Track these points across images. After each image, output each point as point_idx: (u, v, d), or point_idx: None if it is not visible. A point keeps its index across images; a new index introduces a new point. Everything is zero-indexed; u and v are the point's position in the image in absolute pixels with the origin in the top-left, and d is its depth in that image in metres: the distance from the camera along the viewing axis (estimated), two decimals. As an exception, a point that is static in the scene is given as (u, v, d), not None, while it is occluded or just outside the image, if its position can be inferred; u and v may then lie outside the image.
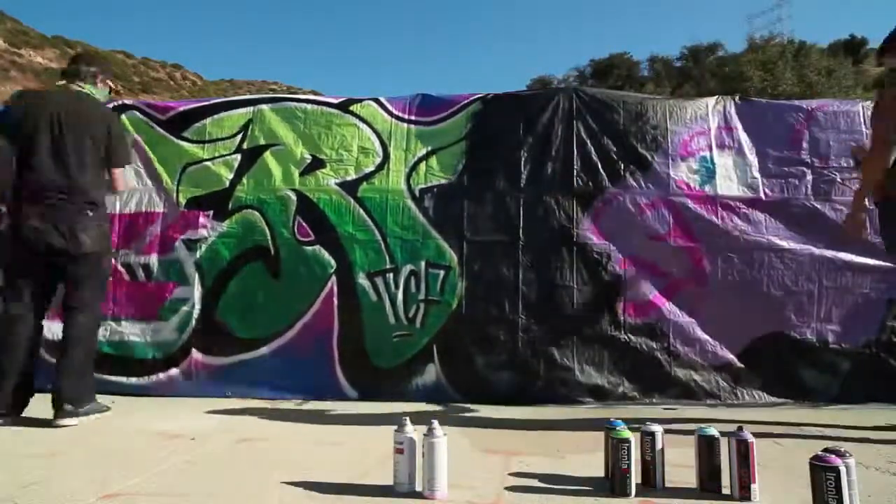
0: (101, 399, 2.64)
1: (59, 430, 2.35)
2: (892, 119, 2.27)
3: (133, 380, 3.13)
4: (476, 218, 3.22)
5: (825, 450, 1.41)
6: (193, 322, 3.17)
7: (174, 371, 3.13)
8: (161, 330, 3.18)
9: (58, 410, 2.40)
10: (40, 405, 2.69)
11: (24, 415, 2.50)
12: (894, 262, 2.52)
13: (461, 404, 2.93)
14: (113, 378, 3.10)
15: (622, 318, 3.08)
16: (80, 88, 2.62)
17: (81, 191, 2.46)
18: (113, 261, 3.02)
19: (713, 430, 1.62)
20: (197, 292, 3.21)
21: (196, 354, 3.14)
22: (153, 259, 3.26)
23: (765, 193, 3.17)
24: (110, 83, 2.81)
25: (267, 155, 3.38)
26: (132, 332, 3.18)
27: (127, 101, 3.61)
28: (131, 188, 2.86)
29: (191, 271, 3.23)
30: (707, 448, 1.60)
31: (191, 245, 3.26)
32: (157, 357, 3.16)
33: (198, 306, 3.19)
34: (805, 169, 3.19)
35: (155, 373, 3.14)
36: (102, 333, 3.12)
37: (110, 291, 3.17)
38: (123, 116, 3.48)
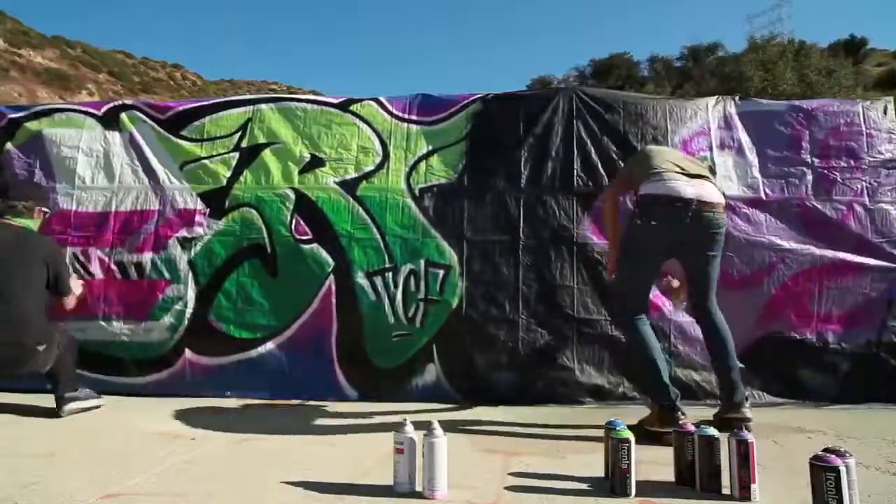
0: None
1: (58, 431, 2.35)
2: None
3: (127, 380, 3.12)
4: (476, 217, 3.22)
5: (825, 450, 1.41)
6: (186, 321, 3.16)
7: (168, 371, 3.12)
8: (154, 329, 3.17)
9: None
10: (39, 406, 2.70)
11: (24, 415, 2.51)
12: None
13: (461, 404, 2.93)
14: (108, 378, 3.10)
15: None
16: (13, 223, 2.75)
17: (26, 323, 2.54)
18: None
19: (713, 430, 1.62)
20: (191, 291, 3.20)
21: (190, 354, 3.13)
22: (147, 257, 3.25)
23: (765, 193, 3.16)
24: (44, 210, 3.01)
25: (266, 153, 3.38)
26: (125, 331, 3.16)
27: (126, 101, 3.61)
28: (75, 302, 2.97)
29: (185, 270, 3.22)
30: (707, 448, 1.60)
31: (186, 243, 3.25)
32: (150, 357, 3.15)
33: (192, 305, 3.18)
34: (805, 169, 3.18)
35: (150, 373, 3.13)
36: (96, 333, 3.13)
37: (104, 290, 3.19)
38: (123, 115, 3.48)
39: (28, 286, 2.59)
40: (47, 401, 2.65)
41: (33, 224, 2.87)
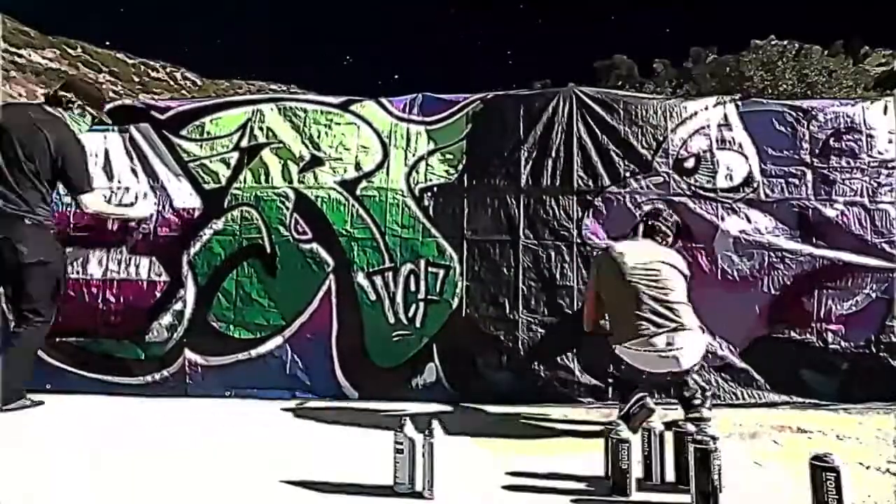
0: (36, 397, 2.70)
1: (57, 433, 2.35)
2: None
3: (128, 380, 3.11)
4: (476, 217, 3.22)
5: (815, 456, 1.41)
6: (186, 322, 3.16)
7: (168, 371, 3.12)
8: (154, 329, 3.17)
9: None
10: (40, 406, 2.69)
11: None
12: None
13: (461, 404, 2.93)
14: (108, 378, 3.10)
15: (622, 317, 3.07)
16: (52, 111, 2.73)
17: (19, 204, 2.55)
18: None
19: (714, 431, 1.62)
20: (191, 291, 3.20)
21: (190, 354, 3.13)
22: (146, 257, 3.24)
23: (765, 193, 3.17)
24: (92, 113, 2.91)
25: (265, 153, 3.38)
26: (125, 332, 3.16)
27: (126, 101, 3.61)
28: (97, 211, 3.00)
29: (185, 269, 3.22)
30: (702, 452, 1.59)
31: (185, 243, 3.25)
32: (150, 357, 3.14)
33: (191, 305, 3.18)
34: (805, 169, 3.19)
35: (149, 373, 3.13)
36: (95, 333, 3.13)
37: (102, 290, 3.17)
38: (123, 115, 3.48)
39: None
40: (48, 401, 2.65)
41: (76, 121, 2.84)
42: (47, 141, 2.60)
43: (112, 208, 3.17)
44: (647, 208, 3.04)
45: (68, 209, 3.30)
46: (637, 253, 2.53)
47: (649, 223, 2.76)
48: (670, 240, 2.76)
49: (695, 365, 2.38)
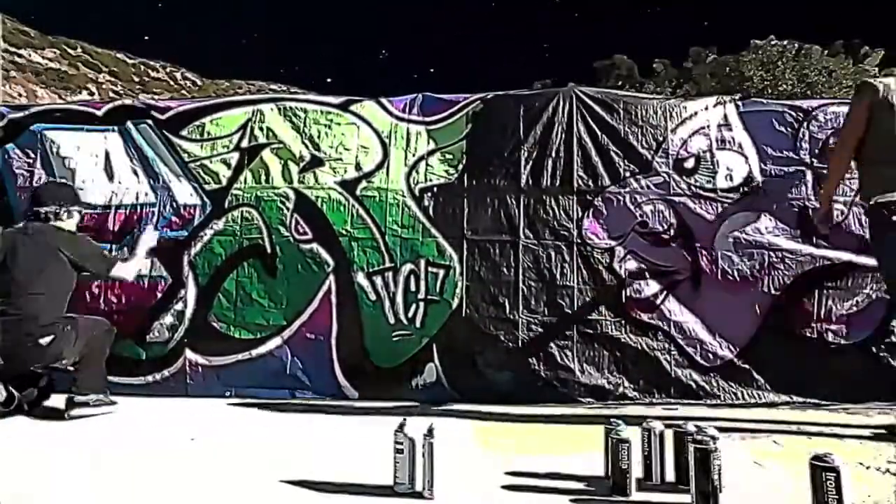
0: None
1: (55, 435, 2.35)
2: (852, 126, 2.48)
3: (129, 380, 3.11)
4: (476, 217, 3.22)
5: (815, 456, 1.41)
6: (187, 321, 3.17)
7: (169, 371, 3.13)
8: (155, 329, 3.17)
9: None
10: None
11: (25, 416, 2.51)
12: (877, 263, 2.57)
13: (461, 404, 2.93)
14: (109, 378, 3.08)
15: (622, 317, 3.07)
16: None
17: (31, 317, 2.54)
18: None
19: (714, 431, 1.62)
20: (191, 291, 3.21)
21: (191, 354, 3.13)
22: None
23: (765, 193, 3.17)
24: (76, 210, 2.90)
25: (265, 153, 3.38)
26: (125, 331, 3.16)
27: (126, 101, 3.61)
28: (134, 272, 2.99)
29: (185, 269, 3.23)
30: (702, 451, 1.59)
31: (186, 243, 3.25)
32: (150, 357, 3.15)
33: (192, 305, 3.19)
34: (805, 169, 3.19)
35: (150, 373, 3.13)
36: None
37: (103, 290, 3.20)
38: (123, 115, 3.48)
39: (45, 281, 2.61)
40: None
41: (68, 224, 2.83)
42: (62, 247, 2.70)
43: None
44: None
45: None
46: None
47: None
48: None
49: None
